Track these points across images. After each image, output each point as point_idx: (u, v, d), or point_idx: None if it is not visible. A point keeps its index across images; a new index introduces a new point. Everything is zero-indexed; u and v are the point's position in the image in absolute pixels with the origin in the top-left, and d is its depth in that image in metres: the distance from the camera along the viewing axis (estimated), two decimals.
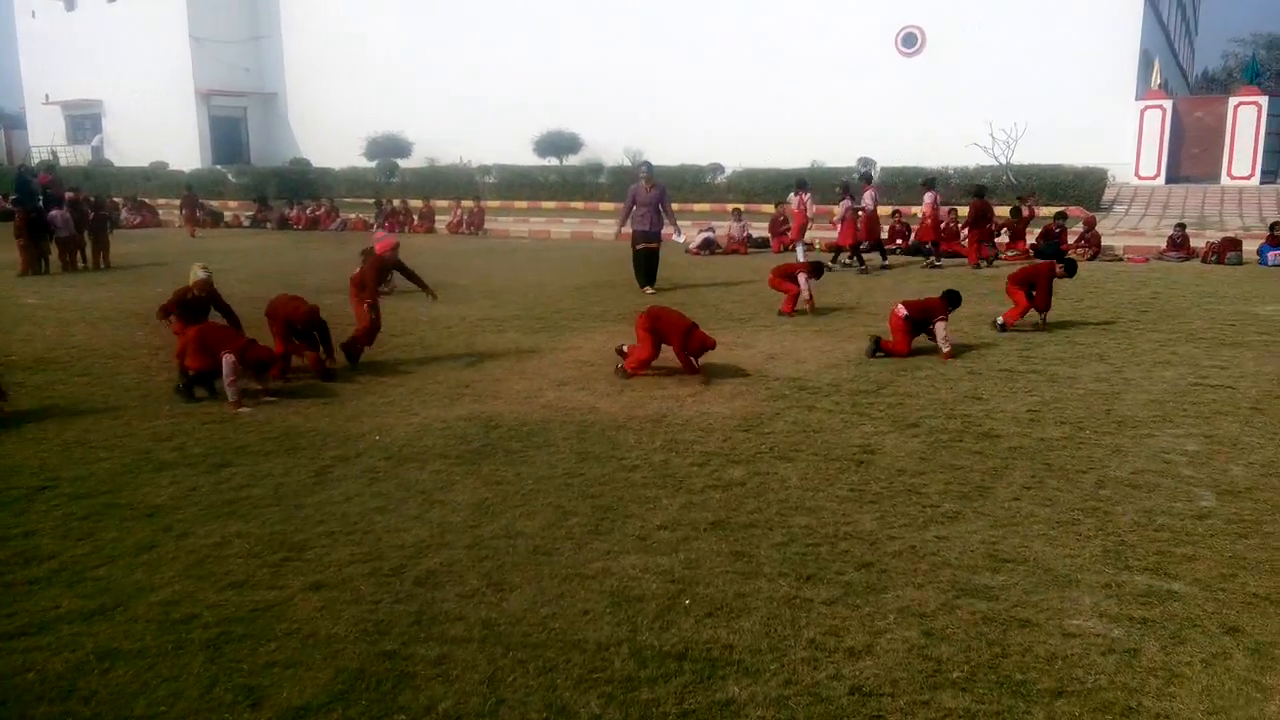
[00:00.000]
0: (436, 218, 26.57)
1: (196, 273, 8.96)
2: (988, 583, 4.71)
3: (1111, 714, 3.61)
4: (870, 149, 27.95)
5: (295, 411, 7.96)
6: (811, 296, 12.22)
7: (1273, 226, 17.49)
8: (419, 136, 35.72)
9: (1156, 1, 32.98)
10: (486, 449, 6.94)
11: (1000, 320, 11.11)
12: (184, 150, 39.65)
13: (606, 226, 25.32)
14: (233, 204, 32.55)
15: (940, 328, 9.65)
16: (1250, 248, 17.21)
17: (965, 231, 17.85)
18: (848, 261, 17.25)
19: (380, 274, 9.85)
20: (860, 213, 17.03)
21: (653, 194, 14.47)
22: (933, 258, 17.47)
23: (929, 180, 18.87)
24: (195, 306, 8.94)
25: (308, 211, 27.95)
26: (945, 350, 9.61)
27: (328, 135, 38.02)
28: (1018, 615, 4.38)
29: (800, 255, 17.33)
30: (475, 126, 34.82)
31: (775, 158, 26.67)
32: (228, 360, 7.97)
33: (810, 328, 11.41)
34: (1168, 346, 10.10)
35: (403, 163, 35.11)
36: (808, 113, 30.41)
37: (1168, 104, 28.58)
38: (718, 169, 28.93)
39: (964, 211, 18.65)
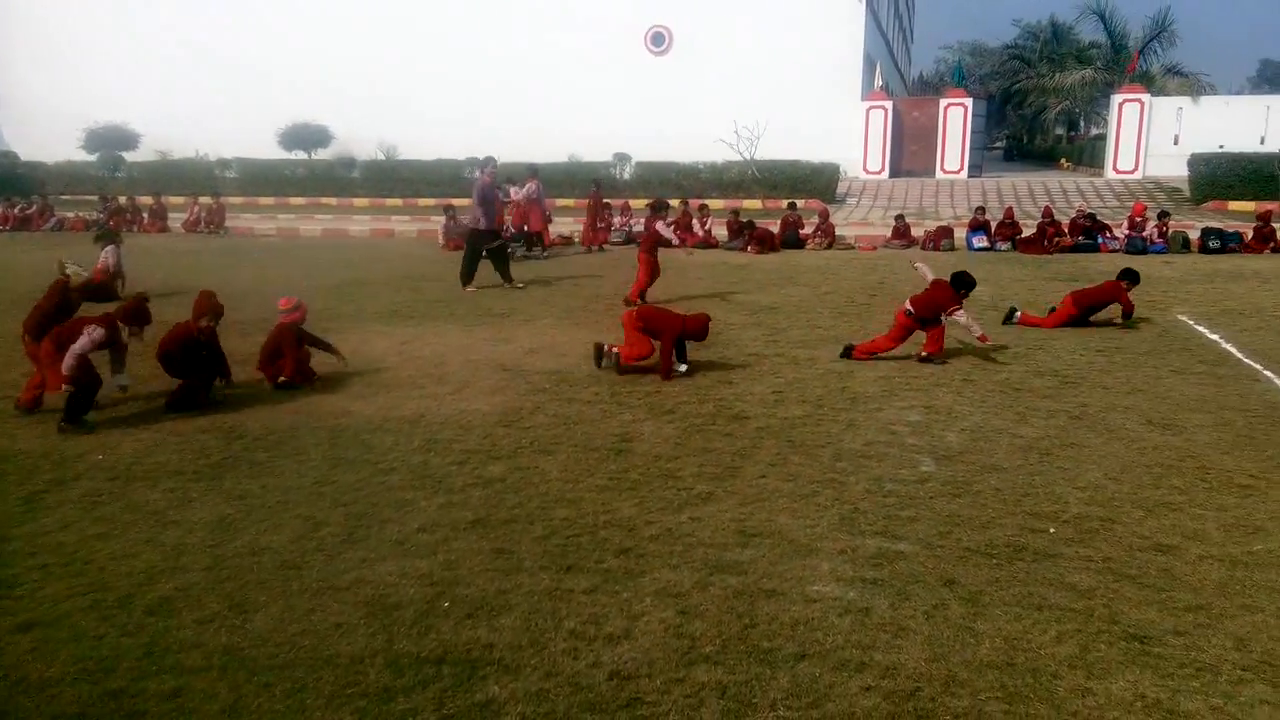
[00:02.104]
0: (170, 215, 24.53)
1: (79, 273, 7.78)
2: (738, 558, 4.94)
3: (847, 671, 3.88)
4: (625, 144, 28.62)
5: (1, 433, 7.11)
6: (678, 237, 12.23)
7: (977, 211, 19.47)
8: (147, 128, 32.95)
9: (877, 11, 35.87)
10: (228, 461, 6.50)
11: (1017, 315, 10.84)
12: None
13: (361, 224, 24.47)
14: None
15: (961, 316, 9.01)
16: (961, 235, 19.07)
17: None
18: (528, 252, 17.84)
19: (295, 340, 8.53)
20: (510, 203, 17.82)
21: (493, 191, 14.34)
22: (533, 248, 18.02)
23: (532, 170, 19.58)
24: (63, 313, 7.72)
25: (16, 210, 25.01)
26: (982, 336, 9.20)
27: (38, 125, 34.14)
28: (765, 586, 4.62)
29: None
30: (212, 117, 32.54)
31: (534, 152, 26.65)
32: (91, 332, 7.03)
33: (569, 320, 11.52)
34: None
35: (129, 156, 32.22)
36: (564, 108, 30.73)
37: (889, 105, 31.19)
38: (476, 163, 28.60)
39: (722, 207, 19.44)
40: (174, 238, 22.65)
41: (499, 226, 14.53)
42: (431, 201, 24.37)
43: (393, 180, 29.45)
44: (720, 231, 19.86)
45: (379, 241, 21.95)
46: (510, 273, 14.23)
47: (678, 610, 4.38)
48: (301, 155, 32.29)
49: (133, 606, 4.45)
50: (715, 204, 23.16)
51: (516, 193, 18.72)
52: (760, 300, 12.81)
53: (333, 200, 29.29)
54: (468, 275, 14.01)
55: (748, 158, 27.85)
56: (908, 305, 9.11)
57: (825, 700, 3.68)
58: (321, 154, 32.44)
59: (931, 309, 9.02)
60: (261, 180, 30.19)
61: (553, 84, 31.73)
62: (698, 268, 16.54)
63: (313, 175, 30.30)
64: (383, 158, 31.01)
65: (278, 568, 4.84)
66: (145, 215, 24.36)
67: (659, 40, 32.36)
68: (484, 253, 14.16)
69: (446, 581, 4.66)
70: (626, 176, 27.52)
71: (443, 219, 20.08)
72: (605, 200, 21.35)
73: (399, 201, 28.66)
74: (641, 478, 6.14)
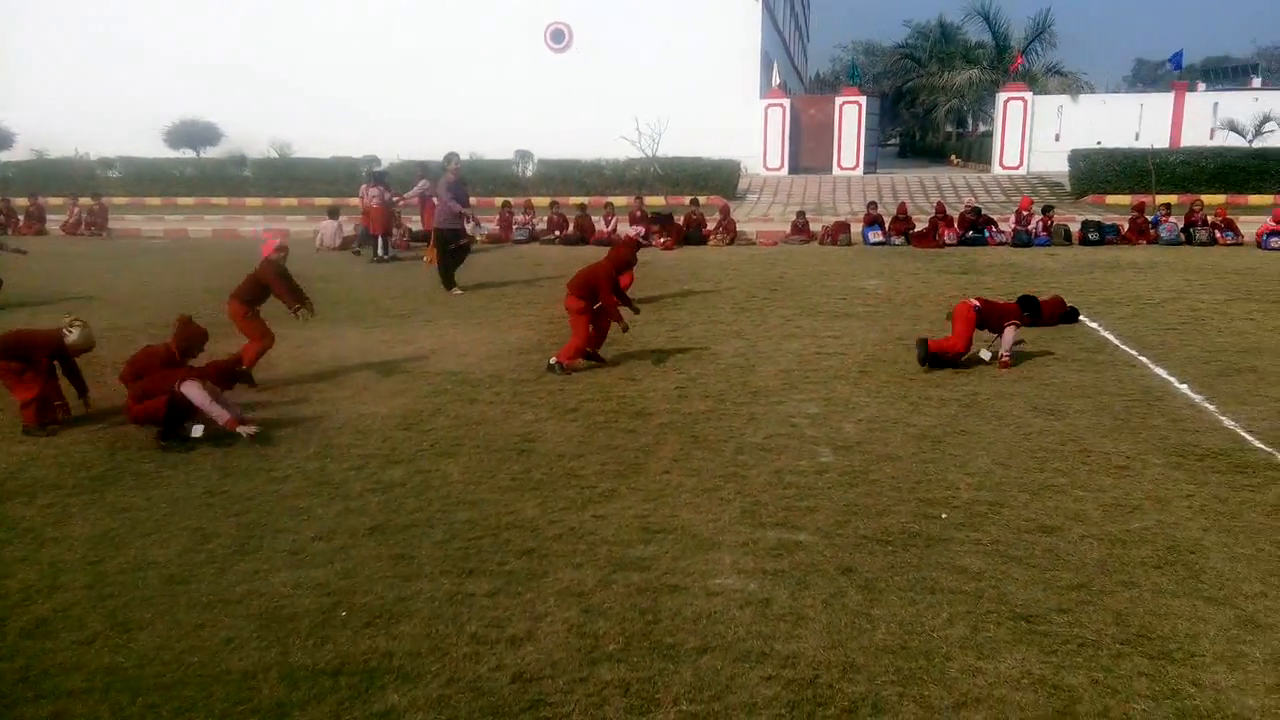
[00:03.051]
0: (48, 217, 23.36)
1: (88, 335, 7.43)
2: (641, 554, 4.95)
3: (748, 662, 3.93)
4: (527, 141, 28.37)
5: None
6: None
7: (870, 206, 19.98)
8: (22, 125, 31.28)
9: (773, 10, 36.45)
10: (111, 474, 6.22)
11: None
12: None
13: (254, 224, 23.73)
14: None
15: (1010, 332, 8.82)
16: (857, 230, 19.52)
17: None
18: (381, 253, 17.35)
19: (276, 282, 8.33)
20: (375, 204, 17.43)
21: (460, 189, 13.81)
22: (381, 251, 17.48)
23: (379, 174, 19.10)
24: None
25: None
26: (1004, 357, 8.82)
27: None
28: (668, 582, 4.64)
29: (381, 251, 17.24)
30: (93, 114, 31.04)
31: (435, 150, 26.21)
32: (191, 385, 6.63)
33: (471, 320, 11.39)
34: (793, 321, 11.19)
35: (3, 155, 30.58)
36: (464, 105, 30.32)
37: (786, 102, 31.72)
38: (374, 161, 27.98)
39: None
40: (52, 241, 21.58)
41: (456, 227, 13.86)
42: (328, 201, 23.74)
43: (287, 179, 28.61)
44: (625, 228, 19.89)
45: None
46: (453, 278, 13.70)
47: (581, 609, 4.37)
48: (189, 154, 31.15)
49: (7, 629, 4.22)
50: (619, 201, 23.19)
51: (366, 191, 17.87)
52: (662, 296, 12.87)
53: (224, 200, 28.33)
54: (448, 279, 13.54)
55: (650, 155, 27.97)
56: (974, 302, 8.90)
57: (727, 692, 3.72)
58: (211, 152, 31.36)
59: (996, 321, 8.88)
60: (148, 180, 28.99)
61: (452, 80, 31.30)
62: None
63: (202, 174, 29.24)
64: (276, 156, 30.11)
65: (164, 582, 4.65)
66: (21, 218, 23.14)
67: (559, 37, 32.25)
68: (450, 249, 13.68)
69: (344, 590, 4.55)
70: (529, 174, 27.34)
71: (332, 222, 19.54)
72: (506, 200, 21.16)
73: (294, 201, 27.87)
74: (544, 477, 6.11)
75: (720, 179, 26.68)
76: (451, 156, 14.29)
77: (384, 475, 6.14)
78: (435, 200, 18.39)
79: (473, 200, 15.73)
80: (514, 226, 20.52)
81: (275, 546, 5.06)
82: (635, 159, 27.77)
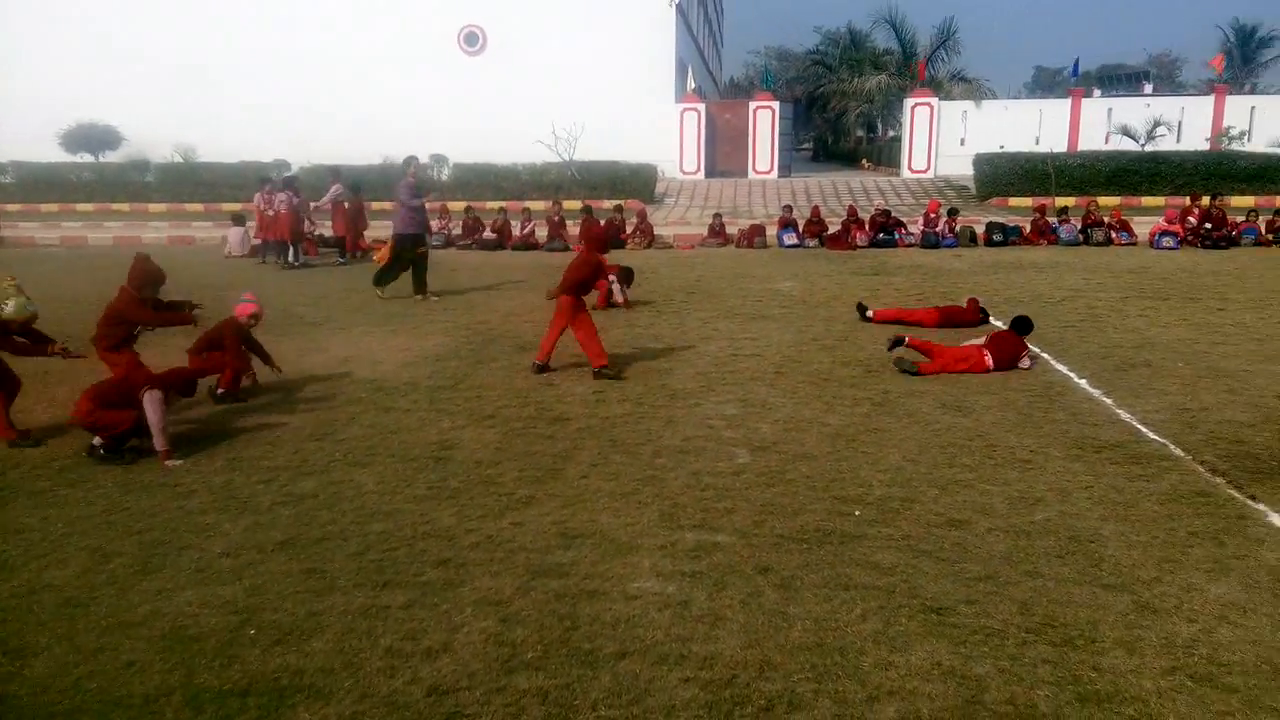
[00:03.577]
0: None
1: (24, 306, 7.18)
2: (559, 560, 4.93)
3: (667, 664, 3.94)
4: (442, 145, 28.04)
5: None
6: (626, 297, 12.50)
7: (785, 209, 20.30)
8: None
9: (687, 15, 36.72)
10: (4, 493, 5.95)
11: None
12: None
13: (157, 230, 22.99)
14: None
15: (1026, 362, 9.00)
16: (772, 233, 19.80)
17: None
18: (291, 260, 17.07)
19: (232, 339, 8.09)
20: (276, 211, 16.99)
21: (419, 193, 13.43)
22: (291, 257, 17.19)
23: (289, 179, 18.81)
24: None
25: None
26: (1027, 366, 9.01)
27: None
28: (586, 587, 4.63)
29: (292, 257, 16.96)
30: None
31: (346, 153, 25.73)
32: (154, 398, 6.34)
33: (386, 327, 11.20)
34: (710, 323, 11.28)
35: None
36: (376, 108, 29.83)
37: (702, 107, 31.99)
38: (283, 165, 27.32)
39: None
40: None
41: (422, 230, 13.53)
42: (236, 206, 23.12)
43: (192, 184, 27.80)
44: (542, 234, 19.82)
45: (178, 250, 20.62)
46: (426, 283, 13.32)
47: (499, 618, 4.33)
48: (88, 158, 29.98)
49: None
50: (536, 205, 23.11)
51: (266, 197, 17.26)
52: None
53: (125, 206, 27.35)
54: (383, 279, 13.18)
55: (567, 159, 27.92)
56: (989, 353, 8.85)
57: (646, 696, 3.73)
58: (111, 156, 30.24)
59: (1011, 358, 8.92)
60: (43, 185, 27.83)
61: (363, 83, 30.75)
62: (516, 268, 16.47)
63: (102, 179, 28.18)
64: (180, 160, 29.19)
65: (61, 606, 4.46)
66: None
67: (473, 40, 31.96)
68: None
69: (252, 608, 4.42)
70: (444, 178, 27.02)
71: (238, 229, 19.03)
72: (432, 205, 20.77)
73: (200, 207, 27.07)
74: (461, 485, 6.04)
75: (638, 183, 26.78)
76: (410, 160, 13.97)
77: (295, 487, 5.99)
78: (344, 204, 18.15)
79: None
80: (429, 232, 20.22)
81: (180, 564, 4.89)
82: (552, 163, 27.71)
